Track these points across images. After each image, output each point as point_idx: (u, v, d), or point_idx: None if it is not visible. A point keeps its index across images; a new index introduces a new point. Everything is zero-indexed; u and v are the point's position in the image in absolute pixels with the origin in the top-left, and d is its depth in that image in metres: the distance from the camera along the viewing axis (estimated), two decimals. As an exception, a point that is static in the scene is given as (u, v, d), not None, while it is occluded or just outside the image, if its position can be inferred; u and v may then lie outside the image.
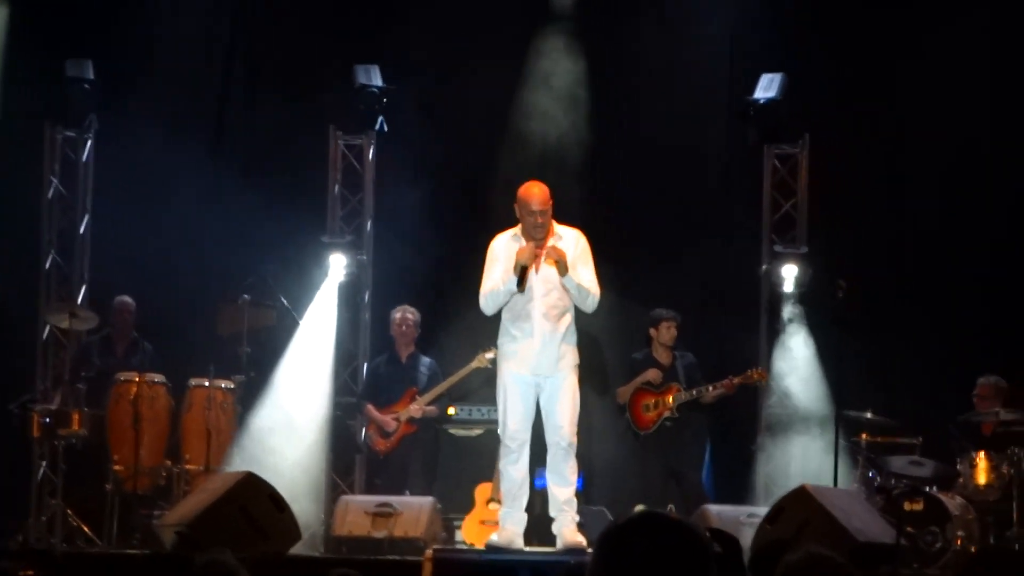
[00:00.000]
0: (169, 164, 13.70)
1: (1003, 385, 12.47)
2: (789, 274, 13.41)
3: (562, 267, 9.93)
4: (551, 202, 10.07)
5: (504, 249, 10.15)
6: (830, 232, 13.60)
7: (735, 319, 13.80)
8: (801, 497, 9.83)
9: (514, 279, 9.99)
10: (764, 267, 13.67)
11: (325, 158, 14.06)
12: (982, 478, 11.90)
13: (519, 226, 10.14)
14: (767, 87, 13.47)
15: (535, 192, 10.06)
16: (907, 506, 11.44)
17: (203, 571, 5.03)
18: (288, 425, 12.57)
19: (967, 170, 13.61)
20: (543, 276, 10.06)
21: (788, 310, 13.34)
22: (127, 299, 13.24)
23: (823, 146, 13.72)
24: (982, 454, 11.94)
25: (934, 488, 11.74)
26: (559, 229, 10.18)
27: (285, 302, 13.15)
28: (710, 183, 14.22)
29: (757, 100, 13.49)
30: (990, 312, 13.34)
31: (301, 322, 13.27)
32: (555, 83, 13.96)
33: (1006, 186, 13.54)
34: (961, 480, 11.96)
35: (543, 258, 10.02)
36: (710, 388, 12.33)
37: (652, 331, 12.58)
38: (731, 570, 3.03)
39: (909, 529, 10.99)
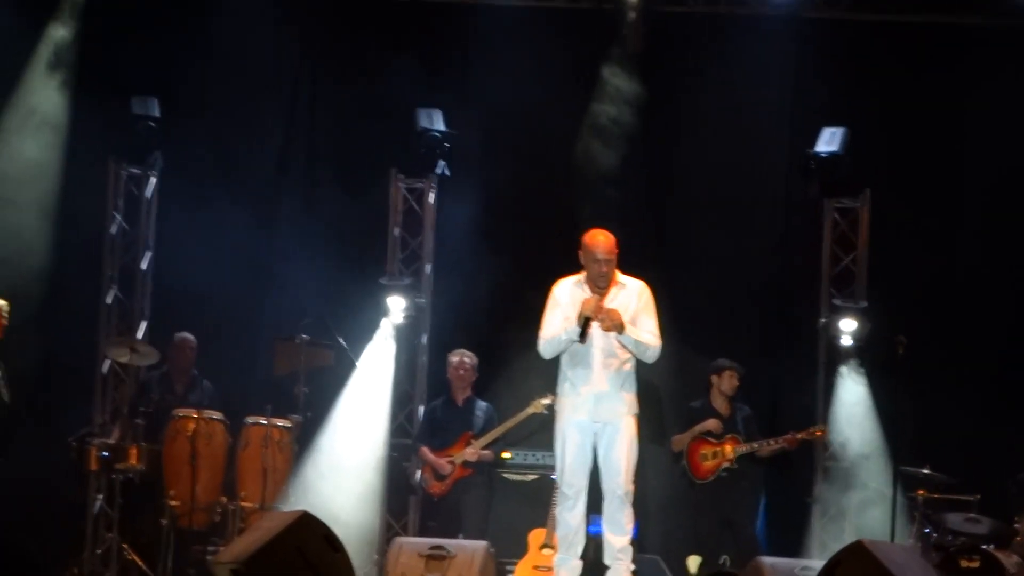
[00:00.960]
0: (231, 202, 13.78)
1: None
2: (848, 328, 13.37)
3: (618, 328, 9.97)
4: (616, 251, 10.09)
5: (566, 295, 10.17)
6: (889, 286, 13.56)
7: (792, 372, 13.78)
8: (857, 552, 9.71)
9: (576, 329, 10.00)
10: (823, 320, 13.63)
11: (386, 200, 14.12)
12: (1040, 536, 11.82)
13: (582, 273, 10.17)
14: (829, 141, 13.46)
15: (600, 240, 10.09)
16: (964, 563, 11.36)
17: None
18: (344, 465, 12.60)
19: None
20: (603, 325, 10.07)
21: (846, 364, 13.29)
22: (188, 336, 13.33)
23: (883, 200, 13.69)
24: (1040, 512, 11.87)
25: (991, 546, 11.65)
26: (622, 279, 10.19)
27: (343, 342, 13.20)
28: (770, 236, 14.20)
29: (818, 154, 13.46)
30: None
31: (358, 363, 13.31)
32: (617, 130, 13.99)
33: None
34: (1019, 538, 11.88)
35: (598, 320, 10.02)
36: (771, 442, 12.30)
37: (714, 378, 12.56)
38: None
39: (967, 587, 10.92)
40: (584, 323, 9.97)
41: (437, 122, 13.84)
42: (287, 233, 14.23)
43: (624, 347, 10.08)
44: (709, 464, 12.32)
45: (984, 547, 11.57)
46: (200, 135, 14.11)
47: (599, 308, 9.99)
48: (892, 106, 13.94)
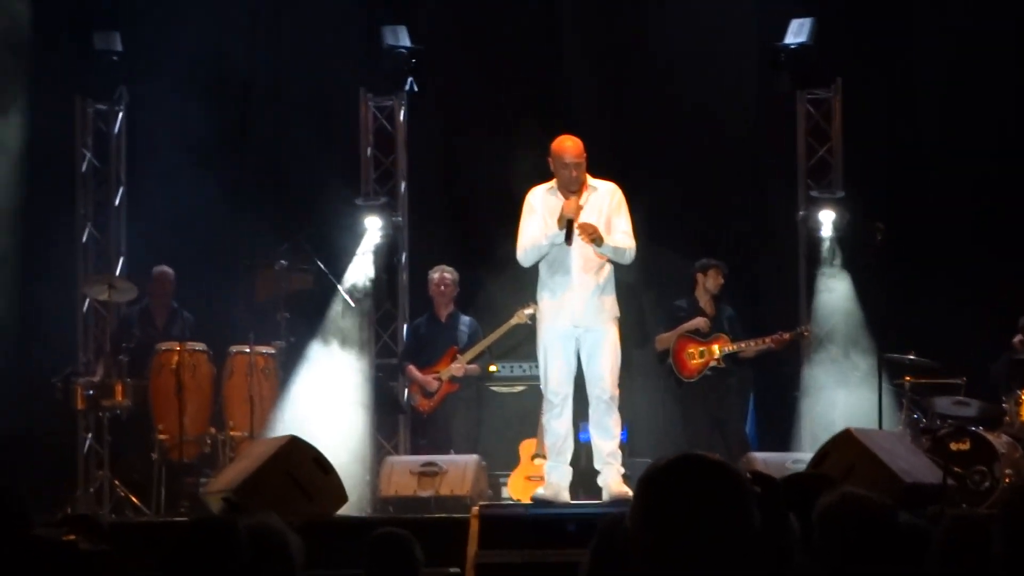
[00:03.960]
0: (200, 133, 13.69)
1: (1047, 323, 12.44)
2: (826, 219, 13.34)
3: (597, 241, 9.96)
4: (585, 155, 10.09)
5: (540, 202, 10.18)
6: (866, 176, 13.51)
7: (773, 268, 13.76)
8: (846, 441, 9.77)
9: (560, 233, 10.00)
10: (801, 213, 13.60)
11: (356, 121, 14.04)
12: (1028, 416, 11.83)
13: (554, 180, 10.16)
14: (797, 32, 13.36)
15: (568, 145, 10.08)
16: (953, 446, 11.40)
17: (250, 534, 5.02)
18: (330, 388, 12.57)
19: (1005, 106, 13.49)
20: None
21: (827, 256, 13.26)
22: (166, 269, 13.25)
23: (856, 89, 13.61)
24: (1027, 392, 11.88)
25: (980, 428, 11.67)
26: (593, 182, 10.20)
27: (322, 266, 13.14)
28: (743, 131, 14.13)
29: (787, 45, 13.37)
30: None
31: (339, 285, 13.27)
32: (585, 37, 13.91)
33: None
34: (1007, 418, 11.90)
35: (577, 231, 10.00)
36: (758, 342, 12.27)
37: (699, 277, 12.46)
38: (772, 510, 3.01)
39: (956, 469, 10.93)
40: (568, 225, 9.96)
41: (403, 38, 13.72)
42: (258, 159, 14.14)
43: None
44: (696, 363, 12.28)
45: (973, 429, 11.60)
46: (165, 67, 13.95)
47: (579, 207, 9.98)
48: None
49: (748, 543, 2.87)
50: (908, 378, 12.24)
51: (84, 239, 13.95)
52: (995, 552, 3.34)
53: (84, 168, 14.06)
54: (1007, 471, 11.24)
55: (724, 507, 2.90)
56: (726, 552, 2.86)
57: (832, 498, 4.35)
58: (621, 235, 10.11)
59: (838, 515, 4.30)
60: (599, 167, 10.45)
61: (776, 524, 3.01)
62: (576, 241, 10.04)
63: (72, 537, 4.91)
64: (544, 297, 10.27)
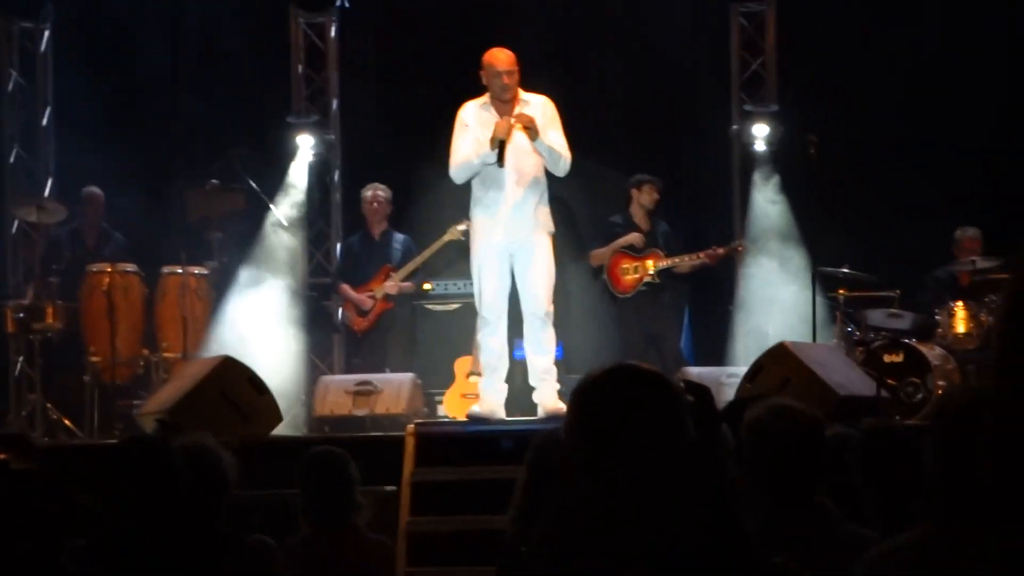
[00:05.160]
0: (128, 51, 13.52)
1: (979, 236, 12.48)
2: (760, 133, 13.33)
3: (533, 132, 9.94)
4: (517, 66, 10.05)
5: (473, 117, 10.14)
6: (800, 89, 13.48)
7: (707, 181, 13.75)
8: (780, 354, 9.79)
9: (491, 153, 9.96)
10: (735, 127, 13.58)
11: (287, 38, 13.89)
12: (961, 327, 11.91)
13: (486, 95, 10.12)
14: (729, -58, 13.34)
15: (501, 56, 10.07)
16: (887, 358, 11.48)
17: (184, 453, 4.98)
18: (263, 309, 12.50)
19: (938, 13, 13.47)
20: (514, 142, 10.02)
21: (761, 170, 13.27)
22: (95, 189, 13.09)
23: (790, 2, 13.57)
24: (960, 304, 11.95)
25: (913, 340, 11.74)
26: (525, 96, 10.16)
27: (254, 185, 13.02)
28: (677, 45, 14.04)
29: (721, -43, 13.35)
30: (966, 163, 13.25)
31: (271, 205, 13.17)
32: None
33: (982, 29, 13.36)
34: (940, 331, 11.97)
35: (513, 124, 9.96)
36: (693, 257, 12.25)
37: (634, 192, 12.40)
38: (704, 419, 3.00)
39: (890, 381, 11.00)
40: (500, 146, 9.91)
41: (332, -47, 13.58)
42: (187, 77, 13.97)
43: (537, 160, 10.07)
44: (630, 278, 12.26)
45: (906, 341, 11.67)
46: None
47: (511, 127, 9.93)
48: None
49: (682, 452, 2.86)
50: (842, 291, 12.28)
51: (12, 160, 13.77)
52: (924, 461, 3.34)
53: (10, 88, 13.88)
54: (940, 383, 11.32)
55: (658, 416, 2.89)
56: (660, 461, 2.85)
57: (759, 409, 4.36)
58: (557, 145, 10.07)
59: (765, 426, 4.30)
60: (533, 82, 10.40)
61: (709, 434, 2.99)
62: (510, 156, 9.99)
63: (3, 456, 4.86)
64: (477, 213, 10.23)
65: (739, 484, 3.64)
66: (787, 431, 4.31)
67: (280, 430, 10.02)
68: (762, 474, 4.26)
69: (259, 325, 12.24)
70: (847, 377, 9.86)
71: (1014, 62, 13.34)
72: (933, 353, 11.54)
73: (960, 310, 11.93)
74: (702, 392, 3.09)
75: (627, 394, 2.91)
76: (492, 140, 9.94)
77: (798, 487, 4.28)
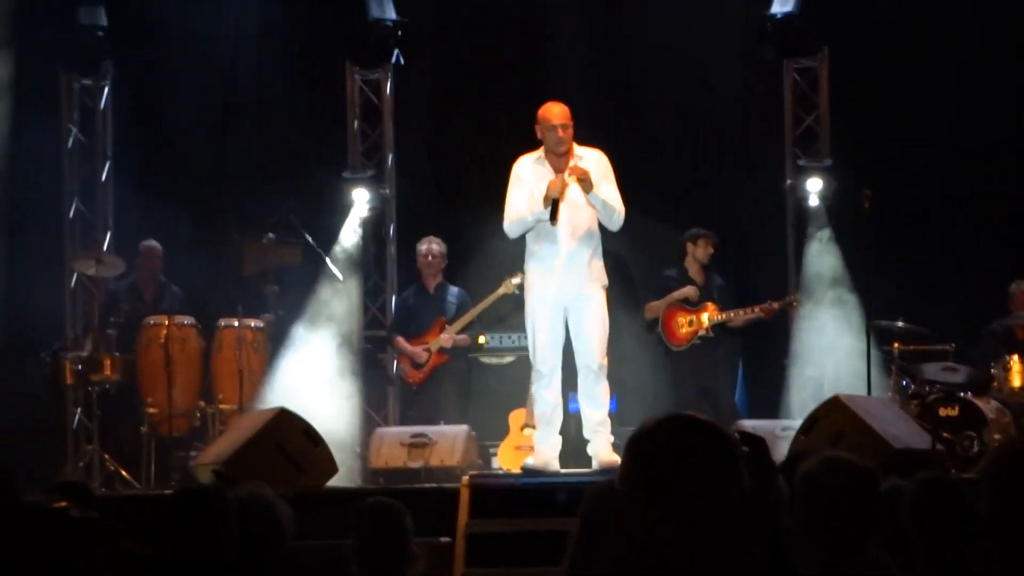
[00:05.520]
0: (185, 107, 13.65)
1: (1035, 289, 12.47)
2: (814, 188, 13.35)
3: (587, 184, 9.98)
4: (571, 120, 10.11)
5: (528, 172, 10.19)
6: (853, 144, 13.50)
7: (761, 236, 13.76)
8: (835, 407, 9.79)
9: (545, 211, 10.01)
10: (788, 182, 13.60)
11: (343, 94, 14.01)
12: (1017, 381, 11.86)
13: (541, 148, 10.17)
14: (783, 1, 13.36)
15: (555, 110, 10.14)
16: (942, 412, 11.43)
17: (239, 504, 5.03)
18: (319, 361, 12.56)
19: (989, 70, 13.46)
20: (568, 197, 10.06)
21: (815, 224, 13.27)
22: (153, 243, 13.23)
23: (842, 58, 13.61)
24: (1016, 357, 11.91)
25: (969, 393, 11.70)
26: (579, 150, 10.20)
27: (310, 238, 13.11)
28: (731, 101, 14.12)
29: (774, 15, 13.39)
30: (1020, 215, 13.22)
31: (327, 258, 13.26)
32: (571, 7, 13.90)
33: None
34: (996, 384, 11.93)
35: (567, 177, 10.02)
36: (748, 311, 12.24)
37: (689, 246, 12.40)
38: (759, 469, 3.02)
39: (945, 435, 10.94)
40: (553, 204, 9.97)
41: (389, 11, 13.70)
42: (244, 133, 14.11)
43: (591, 214, 10.10)
44: (685, 332, 12.27)
45: (962, 395, 11.63)
46: (150, 41, 13.92)
47: (565, 185, 9.98)
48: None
49: (736, 502, 2.88)
50: (897, 345, 12.26)
51: (71, 214, 13.92)
52: (981, 512, 3.35)
53: (70, 144, 14.02)
54: (996, 436, 11.26)
55: (712, 465, 2.91)
56: (714, 510, 2.86)
57: (813, 461, 4.36)
58: (611, 198, 10.12)
59: (819, 477, 4.31)
60: (586, 137, 10.45)
61: (764, 484, 3.01)
62: (564, 211, 10.04)
63: (63, 504, 4.92)
64: (532, 266, 10.27)
65: (792, 533, 3.66)
66: (841, 483, 4.32)
67: (335, 481, 10.06)
68: (816, 525, 4.27)
69: (314, 377, 12.29)
70: (902, 430, 9.84)
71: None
72: (989, 407, 11.50)
73: (1016, 363, 11.88)
74: (757, 443, 3.11)
75: (681, 443, 2.93)
76: (546, 198, 10.00)
77: (851, 538, 4.29)
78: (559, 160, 10.12)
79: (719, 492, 2.88)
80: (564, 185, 10.01)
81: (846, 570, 4.21)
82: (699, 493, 2.87)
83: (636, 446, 3.00)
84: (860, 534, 4.30)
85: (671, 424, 2.99)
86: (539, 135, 10.14)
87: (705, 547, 2.84)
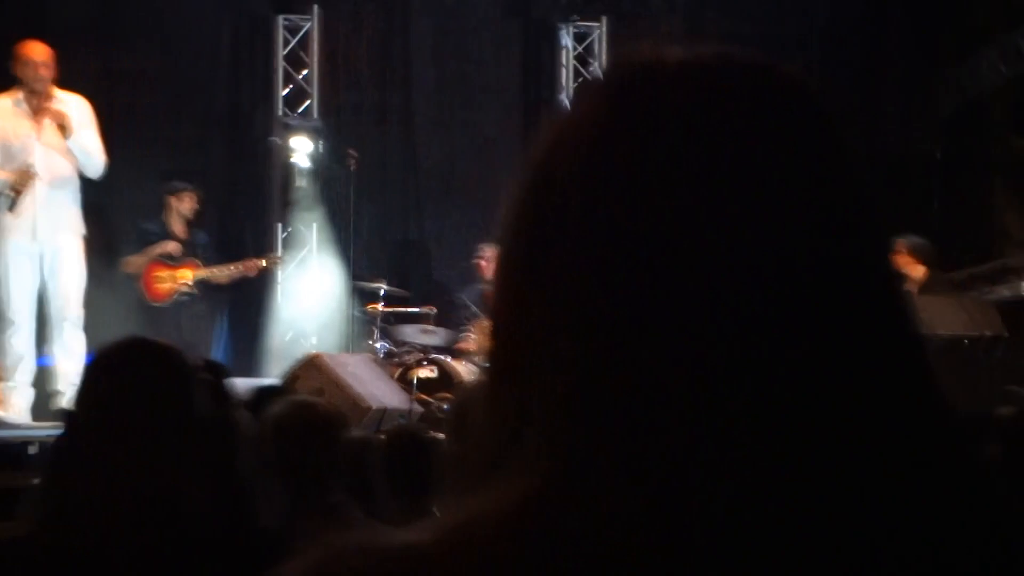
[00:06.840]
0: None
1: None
2: (301, 146, 13.37)
3: (67, 130, 9.67)
4: (53, 62, 9.83)
5: (5, 114, 9.82)
6: (342, 104, 13.60)
7: (248, 192, 13.71)
8: (314, 365, 9.88)
9: (8, 198, 9.68)
10: (275, 140, 13.57)
11: None
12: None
13: (19, 90, 9.81)
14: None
15: (37, 48, 9.81)
16: (420, 373, 11.65)
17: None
18: None
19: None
20: (44, 142, 9.77)
21: (302, 183, 13.31)
22: None
23: (334, 19, 13.69)
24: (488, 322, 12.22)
25: (446, 356, 11.96)
26: (61, 95, 9.91)
27: None
28: (221, 56, 13.97)
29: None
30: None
31: None
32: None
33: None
34: (469, 347, 12.24)
35: (45, 120, 9.71)
36: (230, 268, 12.11)
37: (172, 200, 12.12)
38: (220, 399, 2.98)
39: (422, 396, 11.16)
40: (15, 194, 9.66)
41: None
42: None
43: (69, 160, 9.85)
44: (166, 287, 12.04)
45: (438, 357, 11.88)
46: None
47: (32, 178, 9.64)
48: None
49: (191, 427, 2.82)
50: (378, 305, 12.41)
51: None
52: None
53: None
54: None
55: (164, 386, 2.85)
56: (166, 434, 2.80)
57: (282, 404, 4.38)
58: (92, 145, 9.90)
59: (286, 419, 4.32)
60: (77, 84, 10.18)
61: (222, 413, 2.96)
62: (40, 156, 9.73)
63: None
64: (4, 212, 9.91)
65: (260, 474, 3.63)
66: (307, 426, 4.33)
67: None
68: (281, 467, 4.26)
69: None
70: (380, 390, 10.01)
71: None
72: (464, 369, 11.78)
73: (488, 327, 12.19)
74: (219, 371, 3.06)
75: (138, 366, 2.87)
76: (14, 186, 9.68)
77: (315, 481, 4.30)
78: (37, 99, 9.78)
79: (169, 414, 2.82)
80: (31, 177, 9.70)
81: (309, 513, 4.22)
82: (149, 413, 2.80)
83: (91, 370, 2.93)
84: (324, 478, 4.32)
85: (129, 348, 2.92)
86: (17, 72, 9.79)
87: (152, 468, 2.76)
